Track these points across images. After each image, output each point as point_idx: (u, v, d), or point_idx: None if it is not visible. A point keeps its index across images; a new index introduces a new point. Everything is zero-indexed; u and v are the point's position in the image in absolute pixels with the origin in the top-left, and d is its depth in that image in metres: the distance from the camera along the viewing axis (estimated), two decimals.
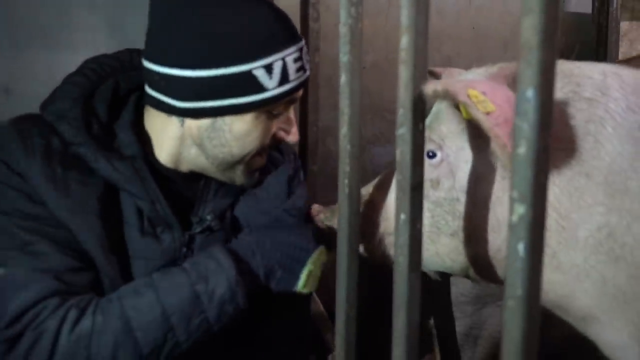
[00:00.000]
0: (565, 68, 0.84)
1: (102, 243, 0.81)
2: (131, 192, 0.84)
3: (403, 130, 0.57)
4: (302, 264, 0.89)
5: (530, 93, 0.40)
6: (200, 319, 0.80)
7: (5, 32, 1.17)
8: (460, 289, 1.52)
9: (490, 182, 0.84)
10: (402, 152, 0.57)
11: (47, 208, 0.79)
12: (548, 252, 0.78)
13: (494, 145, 0.75)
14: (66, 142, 0.82)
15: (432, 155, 0.88)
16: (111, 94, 0.88)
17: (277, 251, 0.88)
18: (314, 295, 0.92)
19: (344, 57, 0.67)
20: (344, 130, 0.68)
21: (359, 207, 0.71)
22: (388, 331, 0.61)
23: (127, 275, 0.85)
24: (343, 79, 0.68)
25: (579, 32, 2.24)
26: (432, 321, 1.66)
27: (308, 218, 0.97)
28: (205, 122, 0.84)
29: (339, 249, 0.72)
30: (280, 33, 0.84)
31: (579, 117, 0.77)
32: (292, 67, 0.84)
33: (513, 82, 0.81)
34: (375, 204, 0.98)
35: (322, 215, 0.98)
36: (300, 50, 0.86)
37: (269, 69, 0.81)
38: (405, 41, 0.55)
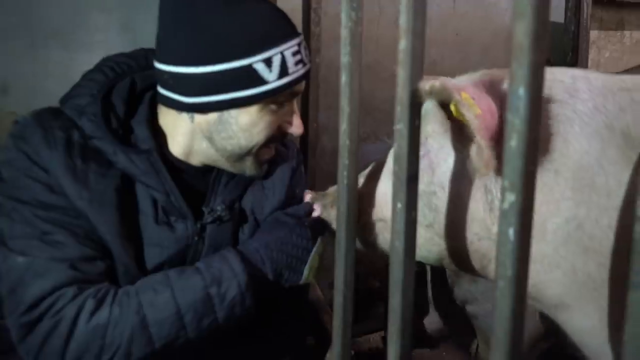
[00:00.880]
0: None
1: (118, 232, 0.81)
2: (147, 183, 0.84)
3: (400, 126, 0.57)
4: (305, 261, 0.91)
5: (521, 91, 0.41)
6: (211, 319, 0.81)
7: (24, 33, 1.15)
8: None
9: (465, 181, 0.84)
10: (400, 145, 0.58)
11: (67, 198, 0.78)
12: None
13: (474, 147, 0.74)
14: (86, 136, 0.82)
15: None
16: (128, 92, 0.88)
17: (283, 255, 0.89)
18: (313, 281, 0.93)
19: (344, 58, 0.67)
20: (343, 126, 0.69)
21: (357, 196, 0.71)
22: None
23: (140, 262, 0.84)
24: (343, 78, 0.68)
25: (552, 39, 2.26)
26: None
27: (307, 212, 0.97)
28: (213, 116, 0.84)
29: (338, 235, 0.73)
30: (278, 29, 0.83)
31: (549, 118, 0.78)
32: (290, 61, 0.83)
33: (492, 87, 0.81)
34: (365, 193, 0.99)
35: (318, 202, 0.98)
36: (299, 44, 0.85)
37: (268, 62, 0.81)
38: (403, 44, 0.56)
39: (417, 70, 0.56)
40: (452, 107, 0.77)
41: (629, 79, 0.78)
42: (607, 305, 0.73)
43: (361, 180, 1.00)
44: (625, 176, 0.71)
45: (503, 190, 0.43)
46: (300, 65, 0.85)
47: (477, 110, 0.71)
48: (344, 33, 0.67)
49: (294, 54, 0.84)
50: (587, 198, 0.73)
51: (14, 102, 1.15)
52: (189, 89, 0.82)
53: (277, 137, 0.91)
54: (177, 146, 0.88)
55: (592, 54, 2.44)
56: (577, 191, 0.74)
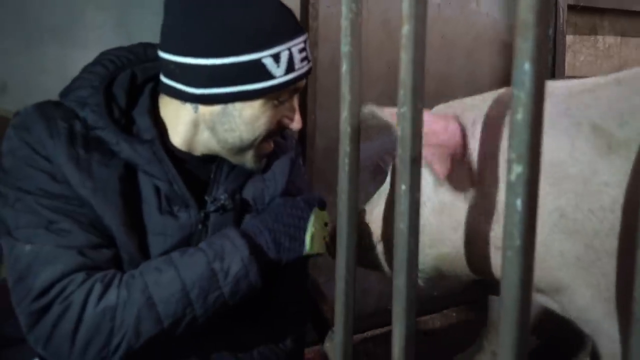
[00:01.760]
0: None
1: (122, 220, 0.80)
2: (150, 172, 0.83)
3: (404, 109, 0.58)
4: (303, 230, 0.90)
5: (526, 65, 0.42)
6: (217, 295, 0.80)
7: (20, 31, 1.14)
8: None
9: (445, 195, 0.89)
10: (403, 128, 0.58)
11: (71, 187, 0.78)
12: None
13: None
14: (88, 126, 0.81)
15: None
16: (129, 83, 0.87)
17: (280, 224, 0.89)
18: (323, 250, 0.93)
19: (345, 48, 0.68)
20: (344, 114, 0.69)
21: (357, 182, 0.72)
22: None
23: (145, 250, 0.84)
24: (344, 67, 0.68)
25: None
26: None
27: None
28: (217, 107, 0.84)
29: (339, 222, 0.73)
30: (286, 25, 0.84)
31: None
32: (297, 57, 0.84)
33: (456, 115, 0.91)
34: (368, 216, 1.03)
35: None
36: (305, 42, 0.86)
37: (276, 58, 0.81)
38: (406, 29, 0.56)
39: (420, 54, 0.56)
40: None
41: (589, 81, 0.85)
42: (598, 283, 0.76)
43: (363, 206, 1.03)
44: (597, 162, 0.75)
45: (510, 163, 0.44)
46: (305, 62, 0.86)
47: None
48: (344, 24, 0.68)
49: (301, 50, 0.84)
50: (565, 188, 0.77)
51: (10, 100, 1.13)
52: (196, 80, 0.81)
53: (277, 131, 0.91)
54: (178, 136, 0.88)
55: (569, 58, 2.49)
56: (555, 185, 0.78)
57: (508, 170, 0.44)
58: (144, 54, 0.92)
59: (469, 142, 0.88)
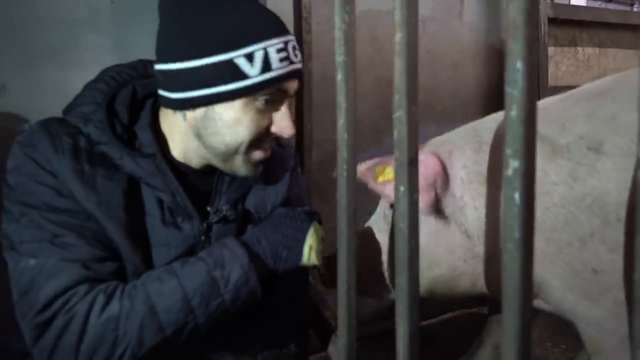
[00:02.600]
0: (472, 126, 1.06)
1: (126, 233, 0.80)
2: (153, 185, 0.83)
3: (399, 113, 0.59)
4: (301, 241, 0.90)
5: (518, 64, 0.43)
6: (218, 302, 0.80)
7: (20, 51, 1.15)
8: None
9: (437, 217, 0.97)
10: (399, 131, 0.59)
11: (76, 202, 0.77)
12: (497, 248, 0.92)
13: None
14: (92, 142, 0.81)
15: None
16: (130, 99, 0.87)
17: (278, 235, 0.89)
18: (317, 261, 0.93)
19: (339, 58, 0.69)
20: (341, 121, 0.70)
21: (355, 188, 0.73)
22: None
23: (149, 262, 0.83)
24: (339, 76, 0.69)
25: None
26: None
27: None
28: (200, 112, 0.83)
29: (339, 225, 0.73)
30: (262, 26, 0.82)
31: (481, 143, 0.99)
32: (274, 57, 0.81)
33: (442, 148, 1.00)
34: (364, 247, 1.08)
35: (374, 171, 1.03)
36: (286, 42, 0.84)
37: (249, 57, 0.80)
38: (399, 36, 0.58)
39: (413, 60, 0.58)
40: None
41: (540, 103, 0.96)
42: (564, 272, 0.82)
43: (365, 234, 1.10)
44: (546, 166, 0.84)
45: (506, 158, 0.45)
46: (285, 62, 0.83)
47: (388, 176, 0.96)
48: (338, 35, 0.69)
49: (279, 50, 0.82)
50: None
51: (9, 120, 1.13)
52: (175, 84, 0.81)
53: (267, 138, 0.89)
54: (176, 148, 0.88)
55: (551, 68, 2.54)
56: None
57: (505, 165, 0.45)
58: (143, 70, 0.92)
59: (449, 171, 0.96)
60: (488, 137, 0.95)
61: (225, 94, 0.81)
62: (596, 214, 0.78)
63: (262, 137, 0.87)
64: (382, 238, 1.07)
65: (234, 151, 0.87)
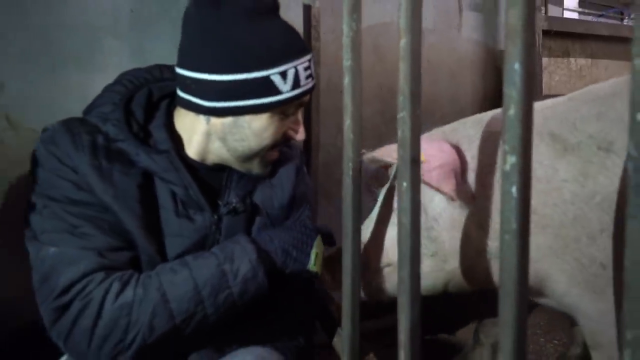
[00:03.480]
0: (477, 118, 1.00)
1: (141, 224, 0.81)
2: (168, 179, 0.84)
3: (403, 114, 0.59)
4: (310, 245, 0.92)
5: (516, 66, 0.44)
6: (227, 294, 0.81)
7: (45, 57, 1.16)
8: None
9: (453, 210, 0.92)
10: (403, 131, 0.60)
11: (94, 195, 0.79)
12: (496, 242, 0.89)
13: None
14: (110, 139, 0.83)
15: None
16: (146, 100, 0.89)
17: (289, 236, 0.91)
18: (319, 271, 0.94)
19: (346, 62, 0.70)
20: (347, 122, 0.71)
21: (360, 184, 0.73)
22: None
23: (162, 251, 0.84)
24: (346, 80, 0.70)
25: None
26: None
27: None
28: (228, 119, 0.86)
29: (344, 221, 0.74)
30: (293, 45, 0.86)
31: (494, 141, 0.92)
32: (302, 74, 0.86)
33: (446, 136, 0.97)
34: (371, 241, 1.04)
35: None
36: (309, 60, 0.88)
37: (283, 75, 0.83)
38: (403, 42, 0.58)
39: (417, 64, 0.59)
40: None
41: (549, 101, 0.94)
42: (571, 267, 0.81)
43: (365, 230, 1.04)
44: (557, 163, 0.83)
45: (504, 154, 0.45)
46: (310, 79, 0.88)
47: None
48: (346, 41, 0.70)
49: (306, 68, 0.86)
50: (534, 189, 0.80)
51: (34, 120, 1.14)
52: (209, 94, 0.83)
53: (282, 142, 0.93)
54: (192, 147, 0.90)
55: (545, 78, 2.54)
56: None
57: (503, 161, 0.45)
58: (159, 73, 0.94)
59: (462, 161, 0.92)
60: (496, 127, 0.92)
61: (259, 107, 0.85)
62: (606, 211, 0.77)
63: (278, 141, 0.90)
64: (394, 232, 1.01)
65: (256, 155, 0.90)
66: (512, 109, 0.44)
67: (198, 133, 0.88)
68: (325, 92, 1.63)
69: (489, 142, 0.91)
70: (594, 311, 0.81)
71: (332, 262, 1.00)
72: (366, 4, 1.83)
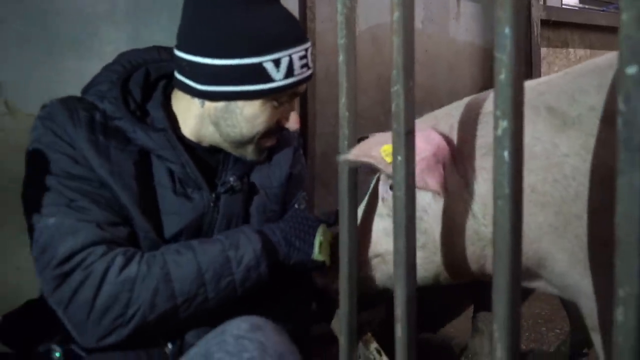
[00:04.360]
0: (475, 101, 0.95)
1: (137, 200, 0.81)
2: (165, 157, 0.85)
3: (397, 87, 0.59)
4: (313, 235, 0.92)
5: (507, 30, 0.43)
6: (228, 280, 0.81)
7: (43, 44, 1.17)
8: None
9: (444, 200, 0.88)
10: (397, 104, 0.59)
11: (91, 170, 0.79)
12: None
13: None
14: (107, 117, 0.83)
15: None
16: (143, 80, 0.89)
17: (292, 227, 0.91)
18: (326, 259, 0.93)
19: (341, 40, 0.69)
20: (342, 100, 0.71)
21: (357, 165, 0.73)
22: None
23: (159, 229, 0.85)
24: (341, 58, 0.70)
25: None
26: None
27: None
28: (220, 104, 0.86)
29: (341, 201, 0.74)
30: (289, 33, 0.85)
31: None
32: (297, 64, 0.85)
33: (441, 123, 0.91)
34: (360, 232, 1.02)
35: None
36: (306, 50, 0.87)
37: (277, 63, 0.83)
38: (396, 15, 0.58)
39: (409, 37, 0.58)
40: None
41: (543, 78, 0.89)
42: (572, 245, 0.78)
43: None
44: (556, 137, 0.79)
45: (495, 119, 0.45)
46: (305, 69, 0.87)
47: (389, 159, 0.78)
48: (340, 19, 0.70)
49: (301, 57, 0.86)
50: (532, 165, 0.79)
51: (32, 105, 1.15)
52: (202, 77, 0.83)
53: (276, 130, 0.92)
54: (187, 128, 0.90)
55: (544, 68, 2.54)
56: (524, 164, 0.80)
57: (494, 126, 0.45)
58: (157, 54, 0.94)
59: (453, 147, 0.87)
60: (490, 107, 0.87)
61: (250, 93, 0.84)
62: (609, 186, 0.74)
63: (270, 129, 0.90)
64: (382, 224, 0.99)
65: (248, 141, 0.90)
66: (503, 74, 0.44)
67: (193, 115, 0.88)
68: (323, 82, 1.63)
69: (485, 125, 0.90)
70: (594, 290, 0.79)
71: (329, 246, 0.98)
72: None
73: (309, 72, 0.89)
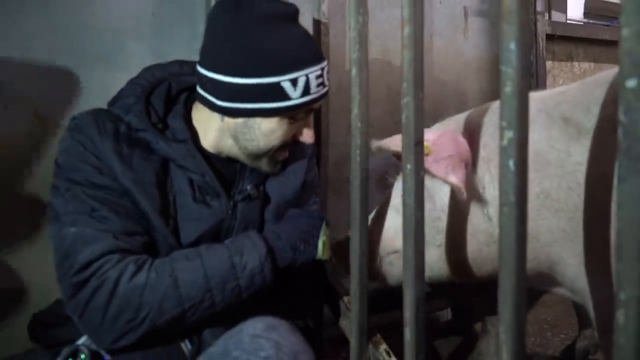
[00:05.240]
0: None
1: (157, 207, 0.83)
2: (185, 167, 0.86)
3: (407, 99, 0.60)
4: (317, 235, 0.93)
5: (512, 45, 0.44)
6: (234, 285, 0.82)
7: (72, 56, 1.20)
8: None
9: (462, 201, 0.88)
10: (407, 116, 0.60)
11: (114, 180, 0.81)
12: None
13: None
14: (132, 129, 0.85)
15: None
16: (165, 94, 0.91)
17: (296, 230, 0.92)
18: (328, 259, 0.94)
19: (354, 55, 0.71)
20: (355, 111, 0.72)
21: (367, 170, 0.74)
22: None
23: (179, 235, 0.86)
24: (354, 71, 0.71)
25: None
26: None
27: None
28: (240, 120, 0.87)
29: (353, 206, 0.75)
30: (307, 54, 0.87)
31: None
32: (313, 83, 0.86)
33: (463, 127, 0.94)
34: (375, 229, 1.03)
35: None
36: (322, 69, 0.89)
37: (294, 82, 0.84)
38: (407, 30, 0.59)
39: (419, 52, 0.59)
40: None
41: (560, 88, 0.90)
42: (582, 251, 0.77)
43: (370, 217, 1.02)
44: (571, 146, 0.79)
45: (501, 130, 0.46)
46: (321, 87, 0.88)
47: (426, 150, 0.78)
48: (353, 34, 0.71)
49: (317, 77, 0.87)
50: (547, 172, 0.80)
51: (60, 116, 1.18)
52: (223, 94, 0.85)
53: (291, 143, 0.94)
54: (207, 140, 0.92)
55: (549, 81, 2.52)
56: (538, 171, 0.80)
57: (500, 136, 0.46)
58: (179, 68, 0.96)
59: (474, 151, 0.88)
60: None
61: (268, 111, 0.86)
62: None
63: (288, 143, 0.92)
64: (400, 220, 1.00)
65: (264, 154, 0.92)
66: (508, 86, 0.45)
67: (213, 128, 0.90)
68: (335, 95, 1.64)
69: (492, 131, 0.89)
70: (602, 295, 0.78)
71: (341, 248, 1.00)
72: (375, 8, 1.84)
73: (325, 89, 0.91)
